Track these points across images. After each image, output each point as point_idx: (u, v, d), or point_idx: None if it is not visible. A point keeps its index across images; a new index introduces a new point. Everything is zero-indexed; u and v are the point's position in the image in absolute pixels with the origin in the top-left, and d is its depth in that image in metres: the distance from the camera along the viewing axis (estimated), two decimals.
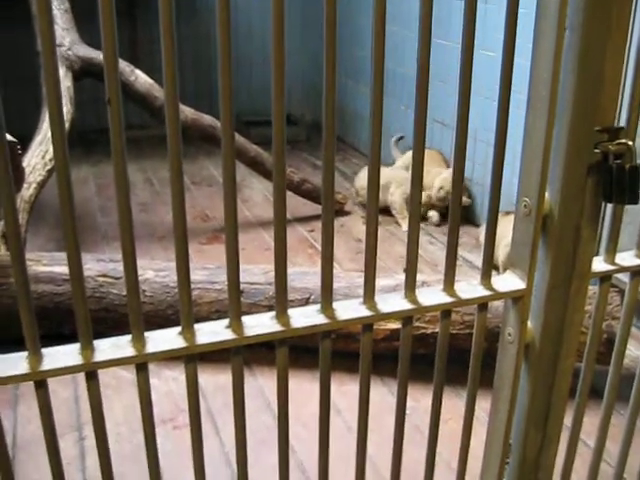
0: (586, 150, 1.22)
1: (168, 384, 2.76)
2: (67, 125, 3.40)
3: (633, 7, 1.17)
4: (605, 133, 1.21)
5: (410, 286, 1.27)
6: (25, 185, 3.31)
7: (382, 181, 4.24)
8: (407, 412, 1.36)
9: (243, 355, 1.18)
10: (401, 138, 4.94)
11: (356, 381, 1.30)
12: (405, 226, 4.27)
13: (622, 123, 1.27)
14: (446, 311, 1.30)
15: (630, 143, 1.21)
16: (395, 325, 2.74)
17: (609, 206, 1.33)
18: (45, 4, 0.89)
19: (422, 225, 4.25)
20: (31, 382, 1.05)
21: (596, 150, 1.22)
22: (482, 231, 3.88)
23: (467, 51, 1.15)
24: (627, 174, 1.21)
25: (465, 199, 4.34)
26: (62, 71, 3.93)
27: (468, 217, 4.39)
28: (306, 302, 2.84)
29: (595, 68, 1.17)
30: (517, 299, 1.32)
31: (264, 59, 6.26)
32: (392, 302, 1.26)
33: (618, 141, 1.21)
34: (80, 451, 2.37)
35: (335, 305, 1.22)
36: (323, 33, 1.04)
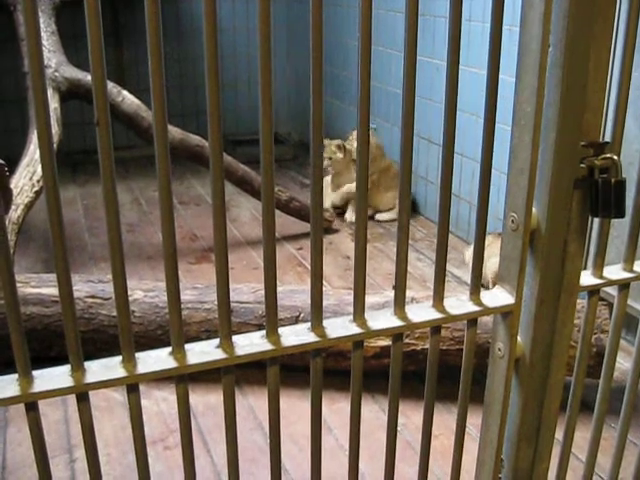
0: (572, 165, 1.23)
1: (158, 405, 2.75)
2: (54, 146, 3.41)
3: (615, 22, 1.18)
4: (590, 148, 1.22)
5: (400, 303, 1.27)
6: (13, 207, 3.30)
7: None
8: (398, 429, 1.36)
9: (234, 374, 1.17)
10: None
11: (347, 399, 1.30)
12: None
13: (607, 138, 1.28)
14: (436, 327, 1.31)
15: (615, 157, 1.22)
16: (385, 342, 2.73)
17: (596, 220, 1.34)
18: (33, 27, 0.89)
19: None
20: (21, 404, 1.05)
21: (582, 165, 1.23)
22: (468, 249, 3.90)
23: (452, 68, 1.16)
24: (613, 188, 1.22)
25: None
26: (49, 92, 3.93)
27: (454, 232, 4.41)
28: (296, 320, 2.84)
29: (579, 84, 1.18)
30: (506, 314, 1.33)
31: (249, 78, 6.28)
32: (382, 319, 1.26)
33: (603, 156, 1.22)
34: (71, 473, 2.36)
35: (325, 323, 1.22)
36: (308, 53, 1.05)
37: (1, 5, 4.33)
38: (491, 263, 3.36)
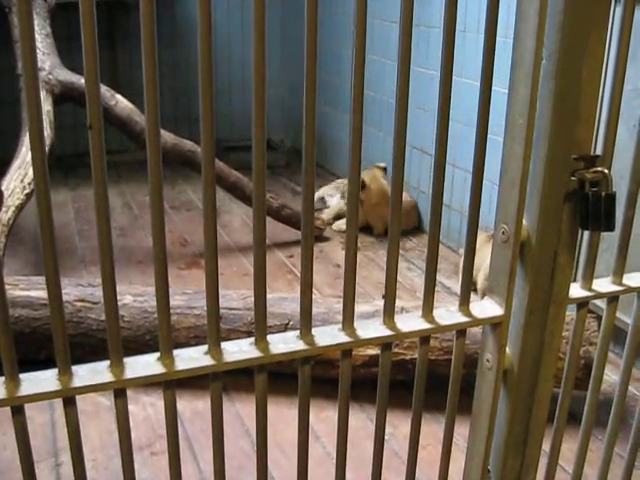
0: (563, 178, 1.24)
1: (145, 410, 2.74)
2: (46, 149, 3.40)
3: (608, 36, 1.19)
4: (581, 161, 1.23)
5: (389, 312, 1.27)
6: (4, 209, 3.29)
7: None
8: (386, 438, 1.36)
9: (222, 381, 1.17)
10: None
11: (335, 407, 1.29)
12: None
13: (598, 151, 1.29)
14: (425, 337, 1.31)
15: (606, 171, 1.23)
16: (374, 351, 2.73)
17: (586, 233, 1.34)
18: (28, 29, 0.89)
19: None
20: (7, 407, 1.04)
21: (573, 178, 1.23)
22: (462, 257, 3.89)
23: (446, 79, 1.17)
24: (603, 201, 1.22)
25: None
26: (42, 95, 3.92)
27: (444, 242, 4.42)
28: (285, 328, 2.83)
29: (571, 97, 1.19)
30: (495, 325, 1.33)
31: (243, 84, 6.29)
32: (371, 328, 1.26)
33: (594, 169, 1.23)
34: (56, 478, 2.34)
35: (314, 331, 1.22)
36: (301, 61, 1.05)
37: None
38: (484, 268, 3.35)
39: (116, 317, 1.09)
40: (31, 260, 4.02)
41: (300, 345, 1.20)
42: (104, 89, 4.01)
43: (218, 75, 5.97)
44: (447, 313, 1.33)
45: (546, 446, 1.49)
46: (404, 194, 4.07)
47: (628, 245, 1.43)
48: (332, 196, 5.03)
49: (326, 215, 4.86)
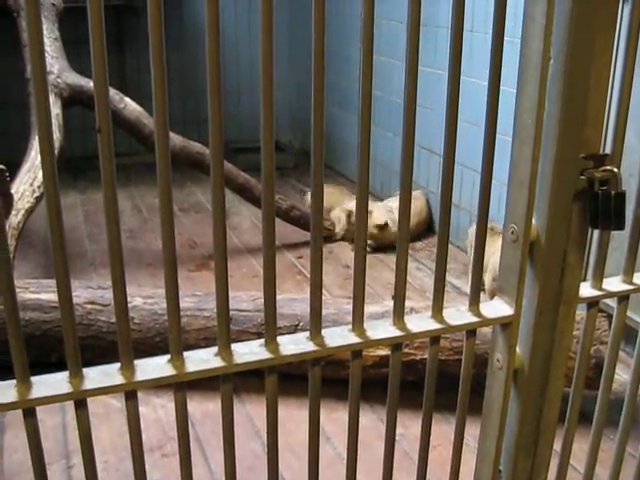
0: (572, 177, 1.23)
1: (156, 412, 2.74)
2: (56, 152, 3.40)
3: (616, 35, 1.19)
4: (590, 160, 1.22)
5: (399, 313, 1.27)
6: (13, 212, 3.30)
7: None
8: (396, 439, 1.36)
9: (232, 382, 1.17)
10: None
11: (345, 408, 1.29)
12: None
13: (607, 150, 1.28)
14: (435, 337, 1.31)
15: (615, 170, 1.22)
16: (384, 351, 2.73)
17: (596, 232, 1.34)
18: (36, 33, 0.89)
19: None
20: (19, 410, 1.04)
21: (582, 177, 1.23)
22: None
23: (454, 78, 1.16)
24: (613, 200, 1.22)
25: None
26: (51, 98, 3.92)
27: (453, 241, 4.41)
28: (295, 329, 2.84)
29: (580, 96, 1.18)
30: (505, 325, 1.32)
31: (251, 85, 6.29)
32: (381, 329, 1.26)
33: (603, 168, 1.23)
34: None
35: (324, 332, 1.22)
36: (309, 62, 1.05)
37: (5, 10, 4.33)
38: (492, 264, 3.34)
39: (126, 319, 1.09)
40: (41, 263, 4.04)
41: (310, 346, 1.20)
42: (112, 92, 4.02)
43: (226, 77, 5.97)
44: (457, 313, 1.33)
45: (557, 446, 1.49)
46: (421, 199, 3.98)
47: (638, 244, 1.42)
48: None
49: (338, 229, 4.76)
